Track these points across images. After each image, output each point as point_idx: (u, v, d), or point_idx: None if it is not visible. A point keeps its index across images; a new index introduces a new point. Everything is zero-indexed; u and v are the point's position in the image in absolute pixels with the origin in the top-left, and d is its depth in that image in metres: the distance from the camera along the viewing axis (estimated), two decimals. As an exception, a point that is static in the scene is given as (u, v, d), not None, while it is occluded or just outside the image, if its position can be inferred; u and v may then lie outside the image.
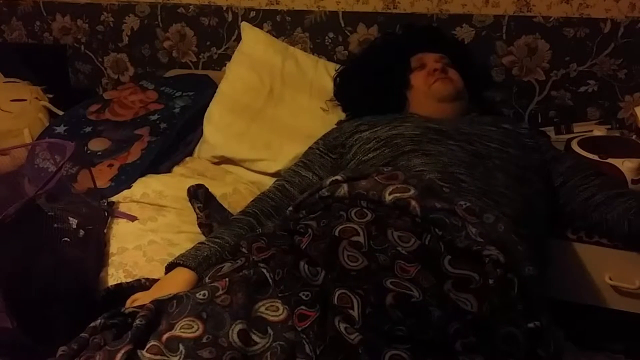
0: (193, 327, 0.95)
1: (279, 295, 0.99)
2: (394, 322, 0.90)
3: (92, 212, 1.44)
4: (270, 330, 0.95)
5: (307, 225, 1.13)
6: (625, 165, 1.46)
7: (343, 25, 2.09)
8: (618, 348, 1.50)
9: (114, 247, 1.43)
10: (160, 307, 1.02)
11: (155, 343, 0.94)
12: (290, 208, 1.29)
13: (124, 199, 1.60)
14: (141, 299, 1.16)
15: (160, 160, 1.83)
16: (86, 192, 1.46)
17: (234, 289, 1.00)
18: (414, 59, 1.66)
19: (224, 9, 2.23)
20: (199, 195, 1.55)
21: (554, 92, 1.94)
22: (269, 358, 0.92)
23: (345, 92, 1.82)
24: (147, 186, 1.64)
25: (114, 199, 1.60)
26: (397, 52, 1.72)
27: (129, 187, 1.65)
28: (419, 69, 1.63)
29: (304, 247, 1.07)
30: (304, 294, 0.96)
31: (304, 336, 0.92)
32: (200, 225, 1.50)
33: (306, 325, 0.92)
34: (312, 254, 1.04)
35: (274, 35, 2.15)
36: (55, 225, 1.28)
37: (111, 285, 1.33)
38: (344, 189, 1.18)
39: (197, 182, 1.61)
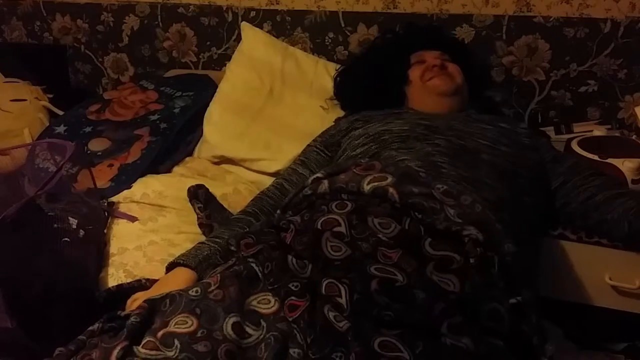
0: (187, 322, 0.96)
1: (269, 287, 1.00)
2: (380, 308, 0.92)
3: (92, 212, 1.44)
4: (263, 323, 0.96)
5: (289, 221, 1.14)
6: (625, 165, 1.46)
7: (343, 25, 2.09)
8: (618, 348, 1.49)
9: (114, 247, 1.43)
10: (153, 306, 1.03)
11: (151, 339, 0.95)
12: (278, 211, 1.30)
13: (124, 199, 1.60)
14: (141, 298, 1.16)
15: (160, 160, 1.83)
16: (86, 192, 1.46)
17: (225, 283, 1.01)
18: (414, 56, 1.67)
19: (224, 9, 2.23)
20: (199, 196, 1.55)
21: (554, 92, 1.94)
22: (263, 349, 0.93)
23: (345, 90, 1.82)
24: (147, 186, 1.64)
25: (114, 199, 1.60)
26: (397, 49, 1.72)
27: (129, 187, 1.65)
28: (417, 64, 1.64)
29: (288, 242, 1.08)
30: (293, 285, 0.97)
31: (295, 326, 0.93)
32: (200, 225, 1.50)
33: (297, 315, 0.93)
34: (297, 248, 1.05)
35: (274, 35, 2.15)
36: (56, 225, 1.28)
37: (112, 286, 1.33)
38: (324, 185, 1.20)
39: (197, 182, 1.61)
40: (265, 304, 0.99)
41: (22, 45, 2.60)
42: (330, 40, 2.13)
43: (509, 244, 1.06)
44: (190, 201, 1.56)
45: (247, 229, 1.32)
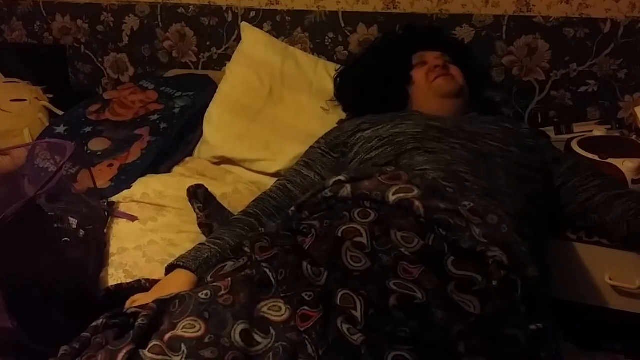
0: (195, 326, 0.95)
1: (282, 295, 0.99)
2: (396, 323, 0.91)
3: (92, 212, 1.44)
4: (272, 331, 0.95)
5: (310, 226, 1.12)
6: (626, 165, 1.46)
7: (343, 25, 2.09)
8: (618, 348, 1.49)
9: (114, 247, 1.43)
10: (162, 307, 1.02)
11: (157, 343, 0.94)
12: (293, 208, 1.29)
13: (124, 199, 1.60)
14: (140, 300, 1.16)
15: (160, 160, 1.83)
16: (86, 192, 1.46)
17: (236, 288, 1.00)
18: (415, 57, 1.66)
19: (224, 9, 2.23)
20: (199, 195, 1.55)
21: (554, 92, 1.94)
22: (271, 358, 0.92)
23: (346, 92, 1.82)
24: (147, 186, 1.64)
25: (114, 199, 1.60)
26: (399, 50, 1.72)
27: (129, 187, 1.65)
28: (420, 65, 1.64)
29: (307, 247, 1.06)
30: (306, 294, 0.96)
31: (307, 337, 0.92)
32: (200, 225, 1.50)
33: (309, 326, 0.92)
34: (315, 255, 1.04)
35: (274, 35, 2.15)
36: (56, 225, 1.28)
37: (111, 286, 1.32)
38: (347, 189, 1.18)
39: (197, 182, 1.61)
40: (276, 311, 0.98)
41: (22, 45, 2.60)
42: (330, 41, 2.13)
43: (533, 268, 1.05)
44: (189, 201, 1.56)
45: (248, 230, 1.32)
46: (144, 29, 2.39)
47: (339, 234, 1.06)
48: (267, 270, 1.03)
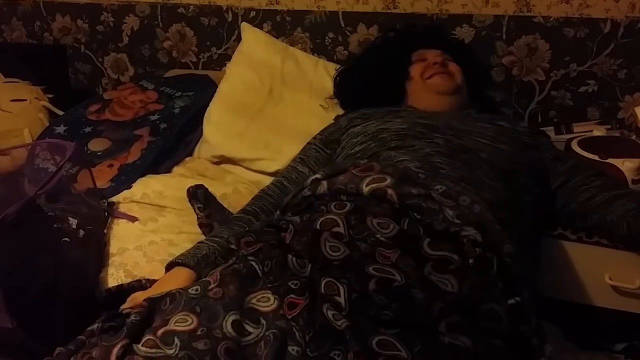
0: (187, 320, 0.96)
1: (269, 286, 1.00)
2: (379, 307, 0.92)
3: (92, 212, 1.44)
4: (262, 320, 0.96)
5: (288, 221, 1.14)
6: (626, 165, 1.46)
7: (343, 25, 2.09)
8: (618, 348, 1.49)
9: (114, 247, 1.43)
10: (153, 305, 1.03)
11: (151, 337, 0.95)
12: (278, 212, 1.30)
13: (124, 199, 1.60)
14: (140, 298, 1.16)
15: (160, 160, 1.83)
16: (86, 192, 1.46)
17: (225, 281, 1.01)
18: (415, 54, 1.67)
19: (224, 9, 2.23)
20: (199, 196, 1.55)
21: (554, 92, 1.94)
22: (263, 347, 0.93)
23: (345, 89, 1.82)
24: (147, 186, 1.64)
25: (114, 199, 1.60)
26: (399, 47, 1.72)
27: (129, 188, 1.65)
28: (419, 61, 1.64)
29: (288, 241, 1.08)
30: (292, 283, 0.97)
31: (294, 324, 0.93)
32: (200, 225, 1.50)
33: (296, 313, 0.94)
34: (297, 248, 1.05)
35: (274, 35, 2.15)
36: (56, 225, 1.28)
37: (112, 286, 1.32)
38: (323, 186, 1.20)
39: (197, 182, 1.61)
40: (264, 302, 0.99)
41: (22, 45, 2.60)
42: (330, 40, 2.13)
43: (508, 245, 1.06)
44: (189, 201, 1.56)
45: (247, 228, 1.32)
46: (144, 29, 2.39)
47: (317, 226, 1.08)
48: (254, 263, 1.04)
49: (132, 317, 0.99)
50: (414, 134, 1.39)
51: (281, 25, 2.17)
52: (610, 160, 1.48)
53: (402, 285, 0.95)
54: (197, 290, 1.02)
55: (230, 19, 2.23)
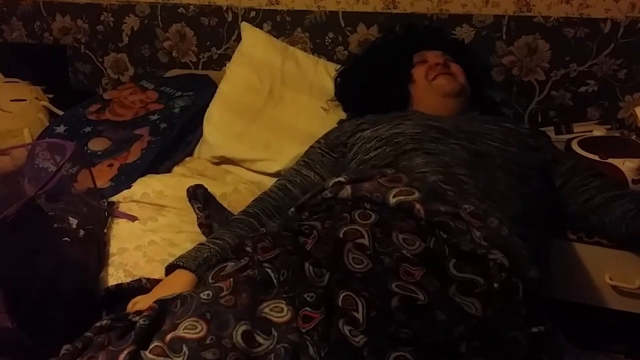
0: (197, 327, 0.95)
1: (283, 296, 0.98)
2: (398, 325, 0.91)
3: (92, 212, 1.44)
4: (274, 332, 0.95)
5: (311, 226, 1.12)
6: (626, 166, 1.46)
7: (343, 25, 2.09)
8: (618, 348, 1.49)
9: (114, 247, 1.43)
10: (163, 307, 1.02)
11: (159, 344, 0.94)
12: (292, 209, 1.28)
13: (124, 199, 1.60)
14: (142, 301, 1.16)
15: (160, 160, 1.83)
16: (86, 192, 1.46)
17: (238, 289, 1.00)
18: (416, 56, 1.66)
19: (224, 9, 2.23)
20: (198, 196, 1.55)
21: (554, 92, 1.94)
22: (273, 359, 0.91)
23: (347, 91, 1.81)
24: (147, 186, 1.64)
25: (114, 198, 1.60)
26: (399, 49, 1.72)
27: (129, 187, 1.65)
28: (420, 63, 1.63)
29: (309, 248, 1.06)
30: (308, 296, 0.96)
31: (308, 338, 0.92)
32: (200, 225, 1.50)
33: (310, 327, 0.92)
34: (317, 256, 1.04)
35: (274, 35, 2.15)
36: (56, 225, 1.28)
37: (112, 286, 1.33)
38: (347, 190, 1.18)
39: (197, 182, 1.61)
40: (277, 312, 0.97)
41: (22, 45, 2.59)
42: (330, 40, 2.13)
43: (534, 271, 1.05)
44: (189, 201, 1.56)
45: (249, 230, 1.32)
46: (144, 29, 2.39)
47: (341, 235, 1.06)
48: (270, 271, 1.02)
49: (141, 322, 0.98)
50: (429, 138, 1.38)
51: (281, 25, 2.17)
52: (610, 160, 1.48)
53: (425, 305, 0.93)
54: (208, 295, 1.00)
55: (230, 19, 2.23)
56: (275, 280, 1.01)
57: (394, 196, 1.11)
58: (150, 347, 0.94)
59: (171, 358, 0.92)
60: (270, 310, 0.98)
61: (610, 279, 1.40)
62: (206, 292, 1.01)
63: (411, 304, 0.93)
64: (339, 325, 0.91)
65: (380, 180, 1.17)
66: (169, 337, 0.95)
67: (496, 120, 1.50)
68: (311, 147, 1.58)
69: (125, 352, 0.92)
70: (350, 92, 1.80)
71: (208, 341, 0.93)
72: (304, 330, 0.92)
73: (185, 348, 0.92)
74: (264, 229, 1.32)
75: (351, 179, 1.22)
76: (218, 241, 1.29)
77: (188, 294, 1.03)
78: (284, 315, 0.96)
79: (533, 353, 0.95)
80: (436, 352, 0.89)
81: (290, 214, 1.27)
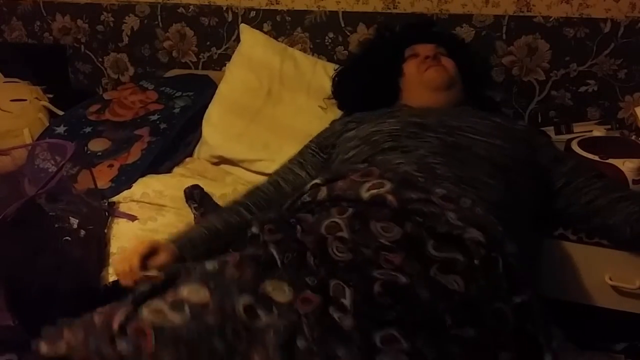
0: (200, 293, 0.95)
1: (286, 277, 0.99)
2: (384, 308, 0.92)
3: (93, 212, 1.44)
4: (275, 310, 0.95)
5: (298, 219, 1.14)
6: (626, 166, 1.46)
7: (343, 25, 2.09)
8: (618, 348, 1.49)
9: (114, 246, 1.44)
10: (170, 276, 1.03)
11: (159, 302, 0.94)
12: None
13: (124, 199, 1.60)
14: (120, 262, 1.19)
15: (160, 160, 1.83)
16: (87, 192, 1.46)
17: (243, 264, 1.01)
18: (408, 50, 1.67)
19: (224, 9, 2.23)
20: (195, 196, 1.56)
21: (554, 92, 1.94)
22: (272, 335, 0.92)
23: (341, 89, 1.82)
24: (147, 186, 1.64)
25: (114, 199, 1.61)
26: (392, 45, 1.72)
27: (129, 188, 1.65)
28: (412, 57, 1.64)
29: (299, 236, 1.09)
30: (309, 279, 0.97)
31: (305, 319, 0.93)
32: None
33: (309, 310, 0.93)
34: (310, 247, 1.05)
35: (273, 35, 2.16)
36: (57, 225, 1.28)
37: (109, 282, 1.33)
38: (323, 192, 1.19)
39: (197, 183, 1.61)
40: (279, 292, 0.97)
41: (22, 45, 2.59)
42: (330, 40, 2.13)
43: (512, 244, 1.06)
44: (186, 202, 1.57)
45: (237, 219, 1.34)
46: (144, 29, 2.39)
47: (322, 230, 1.08)
48: (275, 252, 1.03)
49: (142, 287, 0.98)
50: (406, 134, 1.38)
51: (281, 25, 2.17)
52: (610, 161, 1.48)
53: (407, 286, 0.94)
54: (214, 267, 1.01)
55: (230, 19, 2.23)
56: (279, 262, 1.02)
57: (367, 190, 1.12)
58: (150, 305, 0.94)
59: (171, 319, 0.92)
60: (273, 289, 0.98)
61: (610, 279, 1.40)
62: (211, 264, 1.02)
63: (393, 287, 0.94)
64: (330, 312, 0.92)
65: (352, 177, 1.18)
66: (171, 298, 0.95)
67: (487, 115, 1.50)
68: (305, 146, 1.58)
69: (123, 310, 0.93)
70: (344, 89, 1.80)
71: (210, 306, 0.94)
72: (302, 312, 0.93)
73: (187, 308, 0.93)
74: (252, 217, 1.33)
75: (327, 180, 1.22)
76: (206, 224, 1.31)
77: (192, 265, 1.04)
78: (286, 296, 0.97)
79: (518, 323, 0.96)
80: (422, 328, 0.90)
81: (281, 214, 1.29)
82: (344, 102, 1.82)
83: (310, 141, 1.59)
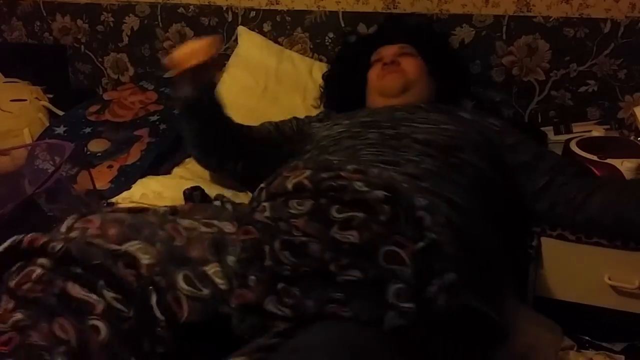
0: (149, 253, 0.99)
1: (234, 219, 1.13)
2: (282, 264, 0.98)
3: (92, 213, 1.44)
4: (215, 228, 1.08)
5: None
6: (625, 166, 1.46)
7: (343, 25, 2.09)
8: (618, 348, 1.49)
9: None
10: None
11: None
12: None
13: (123, 200, 1.60)
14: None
15: (160, 161, 1.83)
16: (86, 193, 1.46)
17: (190, 244, 1.05)
18: (374, 54, 1.71)
19: (224, 9, 2.23)
20: (194, 198, 1.55)
21: (554, 92, 1.94)
22: (210, 239, 1.06)
23: (323, 93, 1.90)
24: (146, 187, 1.64)
25: (113, 200, 1.60)
26: (357, 52, 1.78)
27: (129, 189, 1.65)
28: (376, 62, 1.68)
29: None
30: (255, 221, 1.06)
31: (242, 244, 1.04)
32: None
33: (247, 238, 1.04)
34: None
35: (273, 35, 2.16)
36: (54, 225, 1.28)
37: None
38: (263, 194, 1.22)
39: (196, 184, 1.61)
40: (226, 224, 1.12)
41: (22, 45, 2.59)
42: (330, 40, 2.13)
43: (420, 198, 1.08)
44: (185, 203, 1.56)
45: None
46: (144, 29, 2.39)
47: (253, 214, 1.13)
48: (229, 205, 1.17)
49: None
50: (349, 134, 1.42)
51: (281, 25, 2.17)
52: (609, 161, 1.48)
53: (302, 241, 0.98)
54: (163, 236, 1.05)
55: (230, 19, 2.23)
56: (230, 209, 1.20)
57: (290, 181, 1.15)
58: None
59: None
60: (219, 222, 1.10)
61: (610, 279, 1.40)
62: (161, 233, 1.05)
63: (290, 244, 0.99)
64: (264, 248, 1.01)
65: (284, 174, 1.21)
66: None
67: (448, 109, 1.51)
68: (293, 118, 1.67)
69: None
70: (325, 93, 1.89)
71: (156, 269, 0.97)
72: (240, 239, 1.05)
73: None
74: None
75: (267, 182, 1.25)
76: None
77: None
78: (231, 228, 1.11)
79: (421, 264, 0.96)
80: (314, 279, 0.95)
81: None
82: (327, 104, 1.88)
83: (296, 118, 1.67)
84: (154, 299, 0.94)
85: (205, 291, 0.98)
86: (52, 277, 0.93)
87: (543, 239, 1.45)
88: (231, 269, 1.02)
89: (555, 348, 1.34)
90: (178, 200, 1.58)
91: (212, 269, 1.01)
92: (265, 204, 1.11)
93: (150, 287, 0.95)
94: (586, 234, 1.41)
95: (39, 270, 0.94)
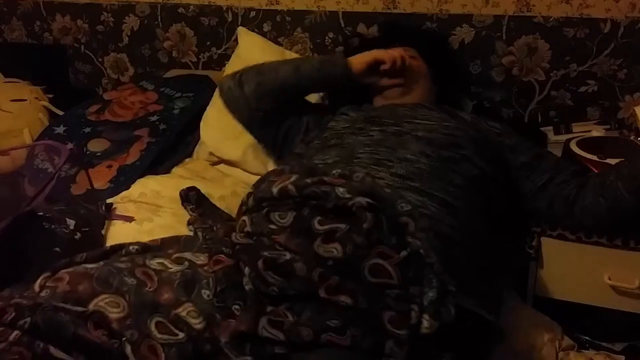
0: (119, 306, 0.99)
1: (204, 247, 1.16)
2: (268, 284, 0.98)
3: (91, 213, 1.44)
4: (186, 265, 1.09)
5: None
6: (624, 166, 1.46)
7: (343, 25, 2.09)
8: (618, 348, 1.50)
9: (110, 246, 1.43)
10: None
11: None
12: None
13: (122, 199, 1.60)
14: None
15: (160, 161, 1.83)
16: (85, 193, 1.46)
17: (162, 286, 1.05)
18: None
19: (224, 9, 2.23)
20: (190, 198, 1.56)
21: (554, 92, 1.94)
22: (179, 277, 1.05)
23: (326, 95, 1.86)
24: (145, 186, 1.64)
25: (112, 199, 1.60)
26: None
27: (128, 189, 1.65)
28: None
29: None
30: (225, 249, 1.10)
31: (213, 275, 1.06)
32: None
33: (219, 268, 1.06)
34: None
35: (274, 35, 2.16)
36: (52, 226, 1.28)
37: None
38: (252, 198, 1.21)
39: (195, 184, 1.61)
40: (196, 258, 1.12)
41: (22, 45, 2.60)
42: (330, 40, 2.13)
43: (403, 203, 1.08)
44: (182, 204, 1.56)
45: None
46: (144, 29, 2.39)
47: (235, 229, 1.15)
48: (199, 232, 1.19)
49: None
50: (351, 131, 1.42)
51: (281, 25, 2.17)
52: (608, 161, 1.48)
53: (287, 260, 0.99)
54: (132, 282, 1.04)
55: (230, 19, 2.23)
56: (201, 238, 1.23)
57: (276, 186, 1.15)
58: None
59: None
60: (191, 255, 1.12)
61: (610, 279, 1.40)
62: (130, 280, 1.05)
63: (274, 263, 1.00)
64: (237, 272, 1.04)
65: (270, 178, 1.21)
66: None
67: (450, 110, 1.51)
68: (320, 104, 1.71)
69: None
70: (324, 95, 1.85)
71: (127, 322, 0.97)
72: (211, 271, 1.07)
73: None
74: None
75: (255, 186, 1.25)
76: None
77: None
78: (202, 260, 1.11)
79: (403, 272, 0.96)
80: (304, 302, 0.96)
81: None
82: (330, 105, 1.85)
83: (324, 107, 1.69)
84: (128, 348, 0.94)
85: (181, 335, 0.98)
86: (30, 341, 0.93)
87: (543, 239, 1.45)
88: (209, 304, 1.02)
89: (556, 348, 1.34)
90: (176, 199, 1.59)
91: (184, 310, 1.01)
92: (246, 217, 1.12)
93: (124, 339, 0.95)
94: (586, 233, 1.41)
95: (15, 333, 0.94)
